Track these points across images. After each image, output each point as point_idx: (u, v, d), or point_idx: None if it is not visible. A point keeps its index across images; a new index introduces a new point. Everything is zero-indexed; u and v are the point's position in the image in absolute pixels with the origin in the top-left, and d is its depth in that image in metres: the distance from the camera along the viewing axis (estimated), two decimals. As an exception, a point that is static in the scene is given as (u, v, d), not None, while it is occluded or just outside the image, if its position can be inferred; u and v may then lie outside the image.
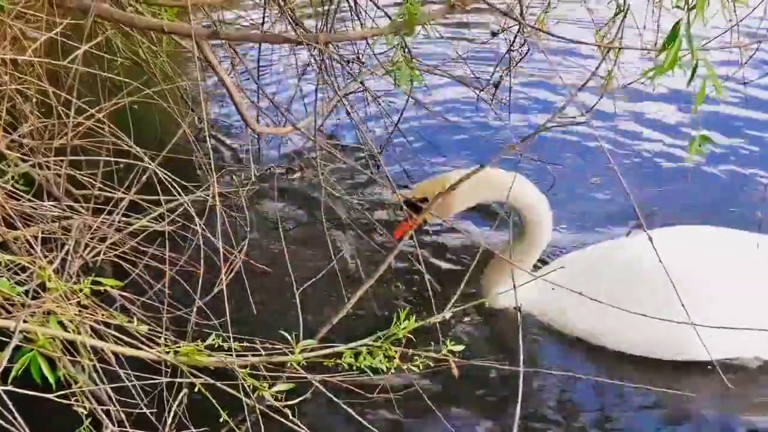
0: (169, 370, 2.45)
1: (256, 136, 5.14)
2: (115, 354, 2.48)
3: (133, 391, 2.58)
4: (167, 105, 3.68)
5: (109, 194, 3.17)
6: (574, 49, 5.92)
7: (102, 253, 2.89)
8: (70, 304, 2.37)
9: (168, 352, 2.40)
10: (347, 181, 5.17)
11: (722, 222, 4.31)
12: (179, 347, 2.42)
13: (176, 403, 2.43)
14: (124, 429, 2.39)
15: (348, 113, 5.09)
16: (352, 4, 4.59)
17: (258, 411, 2.45)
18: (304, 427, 2.42)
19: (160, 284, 2.92)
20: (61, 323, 2.33)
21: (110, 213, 3.00)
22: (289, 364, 2.53)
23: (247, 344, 2.49)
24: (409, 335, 2.50)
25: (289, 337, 2.51)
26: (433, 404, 3.07)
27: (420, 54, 5.94)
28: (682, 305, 2.98)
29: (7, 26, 3.13)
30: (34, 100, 3.30)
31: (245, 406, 2.44)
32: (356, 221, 4.40)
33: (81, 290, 2.41)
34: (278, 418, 2.43)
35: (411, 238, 3.64)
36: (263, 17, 4.65)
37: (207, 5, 4.22)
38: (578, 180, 5.19)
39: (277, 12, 4.33)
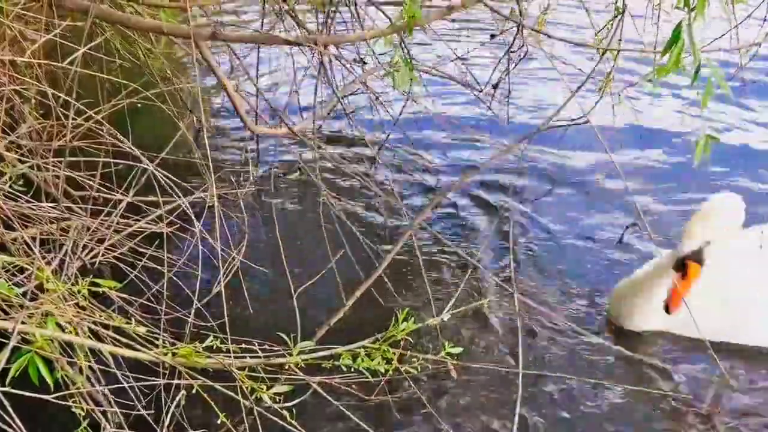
0: (167, 372, 2.45)
1: (255, 137, 5.14)
2: (113, 355, 2.47)
3: (131, 393, 2.58)
4: (166, 107, 3.68)
5: (108, 195, 3.17)
6: (574, 50, 5.92)
7: (100, 254, 2.89)
8: (68, 305, 2.37)
9: (166, 354, 2.40)
10: (345, 182, 5.17)
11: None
12: (177, 349, 2.41)
13: (174, 404, 2.43)
14: (121, 430, 2.38)
15: (347, 114, 5.09)
16: (352, 7, 4.58)
17: (256, 413, 2.44)
18: (302, 429, 2.42)
19: (158, 285, 2.92)
20: (59, 324, 2.33)
21: (109, 214, 3.00)
22: (287, 366, 2.53)
23: (245, 346, 2.49)
24: (407, 337, 2.50)
25: (287, 339, 2.51)
26: (431, 406, 3.07)
27: (419, 55, 5.95)
28: None
29: (7, 27, 3.13)
30: (33, 101, 3.30)
31: (243, 408, 2.44)
32: (354, 222, 4.39)
33: (79, 291, 2.41)
34: (276, 419, 2.43)
35: (410, 238, 3.64)
36: (262, 18, 4.64)
37: (206, 6, 4.22)
38: (579, 180, 5.19)
39: (277, 13, 4.33)
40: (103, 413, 2.39)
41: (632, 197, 4.68)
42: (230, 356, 2.45)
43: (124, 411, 2.52)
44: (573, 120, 4.01)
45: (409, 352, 2.53)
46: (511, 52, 4.69)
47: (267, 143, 5.48)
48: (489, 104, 5.32)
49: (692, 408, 3.53)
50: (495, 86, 5.25)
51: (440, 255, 4.46)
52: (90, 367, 2.47)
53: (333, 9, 4.24)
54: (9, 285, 2.38)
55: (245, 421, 2.53)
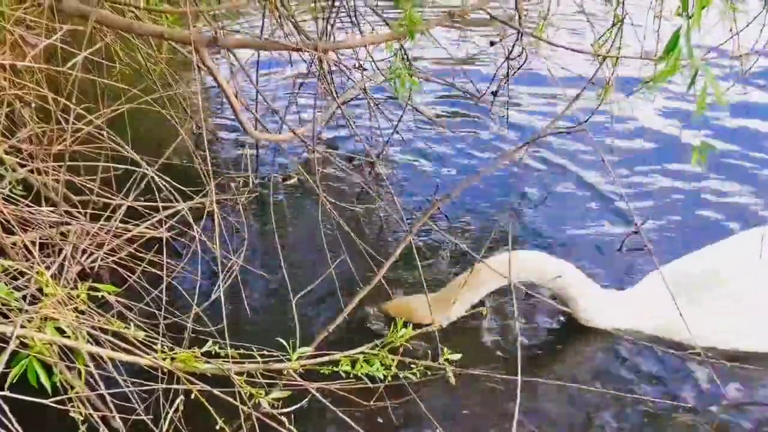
0: (165, 377, 2.45)
1: (255, 143, 5.15)
2: (112, 360, 2.47)
3: (130, 397, 2.58)
4: (166, 112, 3.68)
5: (108, 200, 3.18)
6: (574, 57, 5.93)
7: (100, 258, 2.89)
8: (67, 309, 2.37)
9: (165, 359, 2.40)
10: (344, 188, 5.17)
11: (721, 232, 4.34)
12: (176, 354, 2.42)
13: (172, 409, 2.42)
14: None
15: (347, 120, 5.09)
16: (352, 13, 4.60)
17: (254, 418, 2.44)
18: (300, 435, 2.42)
19: (157, 290, 2.92)
20: (58, 329, 2.33)
21: (108, 219, 3.00)
22: (285, 372, 2.53)
23: (244, 351, 2.49)
24: (406, 343, 2.50)
25: (285, 345, 2.51)
26: (430, 413, 3.07)
27: (419, 61, 5.97)
28: None
29: (7, 32, 3.13)
30: (34, 105, 3.30)
31: (242, 413, 2.44)
32: (353, 228, 4.39)
33: (78, 296, 2.42)
34: (275, 425, 2.43)
35: (411, 245, 3.64)
36: (263, 24, 4.65)
37: (207, 12, 4.23)
38: (579, 186, 5.20)
39: (277, 19, 4.35)
40: (102, 418, 2.39)
41: (632, 204, 4.69)
42: (229, 361, 2.45)
43: (122, 416, 2.51)
44: (570, 127, 4.02)
45: (408, 358, 2.53)
46: (510, 59, 4.71)
47: (266, 149, 5.48)
48: (488, 111, 5.35)
49: (698, 419, 3.53)
50: (494, 93, 5.27)
51: (440, 261, 4.46)
52: (89, 372, 2.47)
53: (332, 15, 4.26)
54: (8, 289, 2.38)
55: (243, 426, 2.52)
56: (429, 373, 2.58)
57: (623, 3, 3.44)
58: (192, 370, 2.42)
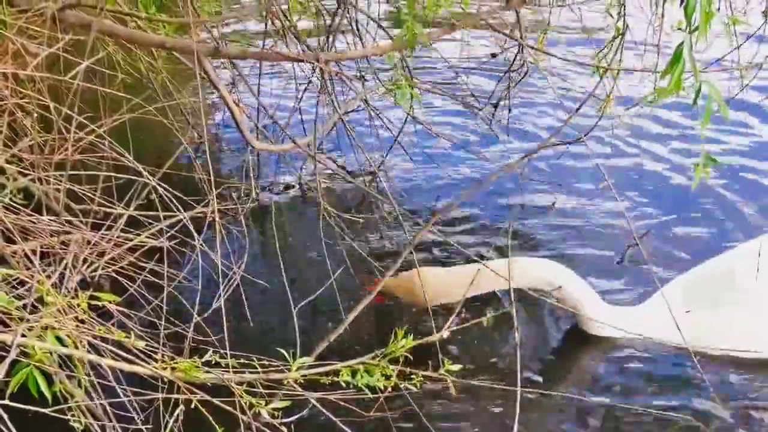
0: (165, 386, 2.45)
1: (256, 153, 5.16)
2: (112, 369, 2.47)
3: (130, 407, 2.57)
4: (168, 121, 3.69)
5: (109, 209, 3.18)
6: (575, 69, 5.96)
7: (100, 268, 2.89)
8: (67, 318, 2.37)
9: (165, 368, 2.40)
10: (345, 197, 5.18)
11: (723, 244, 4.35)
12: (176, 363, 2.41)
13: (172, 419, 2.42)
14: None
15: (348, 130, 5.10)
16: (353, 23, 4.61)
17: (254, 428, 2.44)
18: (300, 445, 2.42)
19: (158, 300, 2.91)
20: (58, 338, 2.33)
21: (109, 228, 3.00)
22: (285, 382, 2.53)
23: (245, 361, 2.49)
24: (407, 354, 2.50)
25: (286, 354, 2.51)
26: (430, 423, 3.07)
27: (420, 72, 5.98)
28: None
29: (9, 41, 3.14)
30: (35, 114, 3.30)
31: (242, 423, 2.43)
32: (355, 237, 4.40)
33: (79, 305, 2.41)
34: (275, 435, 2.43)
35: (411, 253, 3.64)
36: (264, 35, 4.67)
37: (208, 22, 4.24)
38: (580, 198, 5.21)
39: (279, 30, 4.35)
40: (102, 427, 2.39)
41: (631, 216, 4.70)
42: (229, 371, 2.45)
43: (122, 425, 2.51)
44: (570, 140, 4.03)
45: (408, 368, 2.53)
46: (512, 71, 4.73)
47: (268, 158, 5.49)
48: (489, 123, 5.35)
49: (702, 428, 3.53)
50: (495, 105, 5.28)
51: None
52: (89, 381, 2.47)
53: (331, 25, 4.27)
54: (9, 298, 2.38)
55: (243, 436, 2.52)
56: (429, 384, 2.57)
57: (624, 15, 3.45)
58: (192, 379, 2.41)
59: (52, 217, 3.01)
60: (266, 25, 4.56)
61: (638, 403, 3.59)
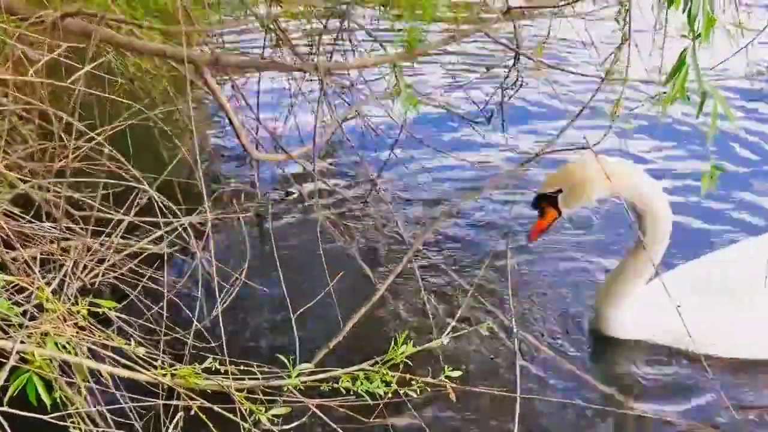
0: (165, 393, 2.44)
1: (256, 162, 5.16)
2: (112, 376, 2.47)
3: (130, 414, 2.57)
4: (168, 129, 3.70)
5: (108, 216, 3.18)
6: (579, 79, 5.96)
7: (100, 274, 2.89)
8: (67, 325, 2.37)
9: (165, 375, 2.40)
10: (344, 205, 5.18)
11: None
12: (176, 370, 2.41)
13: (172, 425, 2.42)
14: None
15: (347, 139, 5.12)
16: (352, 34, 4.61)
17: (254, 435, 2.44)
18: (300, 452, 2.42)
19: (158, 307, 2.92)
20: (58, 344, 2.33)
21: (109, 235, 3.01)
22: (285, 388, 2.53)
23: (244, 367, 2.49)
24: (406, 360, 2.50)
25: (286, 361, 2.50)
26: (430, 429, 3.06)
27: (418, 80, 5.99)
28: None
29: (10, 48, 3.14)
30: (35, 121, 3.31)
31: (242, 430, 2.43)
32: (353, 245, 4.40)
33: (79, 312, 2.41)
34: (274, 442, 2.42)
35: (411, 262, 3.65)
36: (264, 44, 4.67)
37: (208, 31, 4.25)
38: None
39: (277, 41, 4.37)
40: (101, 434, 2.38)
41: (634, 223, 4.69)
42: (229, 378, 2.45)
43: (122, 432, 2.51)
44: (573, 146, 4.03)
45: (408, 375, 2.52)
46: (506, 88, 4.73)
47: (266, 167, 5.49)
48: (483, 134, 5.35)
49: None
50: (489, 119, 5.28)
51: (440, 277, 4.46)
52: (88, 388, 2.47)
53: (333, 36, 4.28)
54: (9, 304, 2.38)
55: (243, 443, 2.51)
56: (429, 390, 2.57)
57: (629, 21, 3.45)
58: (192, 386, 2.41)
59: (52, 224, 3.01)
60: (265, 34, 4.56)
61: (638, 407, 3.59)
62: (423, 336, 3.78)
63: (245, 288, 3.46)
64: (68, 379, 2.41)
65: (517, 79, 4.40)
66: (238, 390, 2.44)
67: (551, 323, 4.19)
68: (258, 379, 2.49)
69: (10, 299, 2.47)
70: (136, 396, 2.53)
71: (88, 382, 2.45)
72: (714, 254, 4.22)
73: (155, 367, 2.43)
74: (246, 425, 2.41)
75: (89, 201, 3.27)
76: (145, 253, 3.13)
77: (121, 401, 2.53)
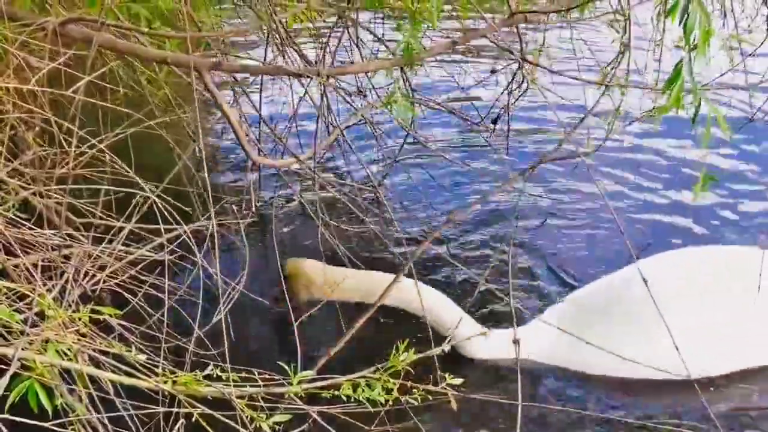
0: (166, 400, 2.44)
1: (258, 167, 5.16)
2: (113, 383, 2.47)
3: (130, 421, 2.56)
4: (169, 136, 3.69)
5: (109, 223, 3.18)
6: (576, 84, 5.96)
7: (101, 281, 2.89)
8: (68, 332, 2.37)
9: (166, 382, 2.40)
10: (345, 212, 5.18)
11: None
12: (177, 377, 2.41)
13: (173, 432, 2.42)
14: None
15: (349, 146, 5.12)
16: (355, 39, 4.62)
17: (255, 442, 2.43)
18: (301, 459, 2.42)
19: (159, 313, 2.91)
20: (59, 351, 2.33)
21: (110, 242, 3.01)
22: (286, 395, 2.52)
23: (246, 375, 2.49)
24: (407, 367, 2.50)
25: (287, 368, 2.50)
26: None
27: (421, 85, 5.99)
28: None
29: (12, 55, 3.15)
30: (37, 128, 3.32)
31: (243, 437, 2.43)
32: (354, 252, 4.40)
33: (80, 318, 2.41)
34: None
35: (410, 271, 3.64)
36: (266, 50, 4.68)
37: (209, 38, 4.26)
38: (579, 212, 5.21)
39: (279, 45, 4.37)
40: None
41: (633, 229, 4.70)
42: (230, 385, 2.44)
43: (123, 439, 2.51)
44: (571, 153, 4.03)
45: (409, 382, 2.52)
46: (511, 91, 4.73)
47: (268, 173, 5.49)
48: (488, 141, 5.36)
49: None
50: (494, 122, 5.29)
51: (440, 284, 4.46)
52: (89, 395, 2.47)
53: (335, 40, 4.29)
54: (10, 311, 2.38)
55: (244, 450, 2.51)
56: (431, 398, 2.57)
57: (629, 30, 3.46)
58: (193, 393, 2.41)
59: (54, 231, 3.01)
60: (267, 40, 4.57)
61: (639, 417, 3.58)
62: (424, 343, 3.78)
63: (246, 294, 3.46)
64: (69, 386, 2.41)
65: (522, 83, 4.41)
66: (239, 397, 2.44)
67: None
68: (259, 386, 2.49)
69: (11, 306, 2.47)
70: (137, 403, 2.53)
71: (89, 389, 2.45)
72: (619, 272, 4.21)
73: (156, 374, 2.43)
74: (247, 432, 2.42)
75: (91, 208, 3.27)
76: (148, 260, 3.12)
77: (121, 408, 2.53)
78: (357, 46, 4.58)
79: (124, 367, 2.43)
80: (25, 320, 2.35)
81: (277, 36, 4.29)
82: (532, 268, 4.68)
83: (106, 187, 3.21)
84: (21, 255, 2.79)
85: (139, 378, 2.41)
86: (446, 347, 2.67)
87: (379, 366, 2.52)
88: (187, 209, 3.30)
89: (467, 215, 4.96)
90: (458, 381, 2.58)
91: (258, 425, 2.41)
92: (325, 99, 4.59)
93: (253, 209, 3.91)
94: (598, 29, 5.46)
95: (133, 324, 2.88)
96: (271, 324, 4.06)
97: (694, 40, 2.38)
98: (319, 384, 2.52)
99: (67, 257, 2.89)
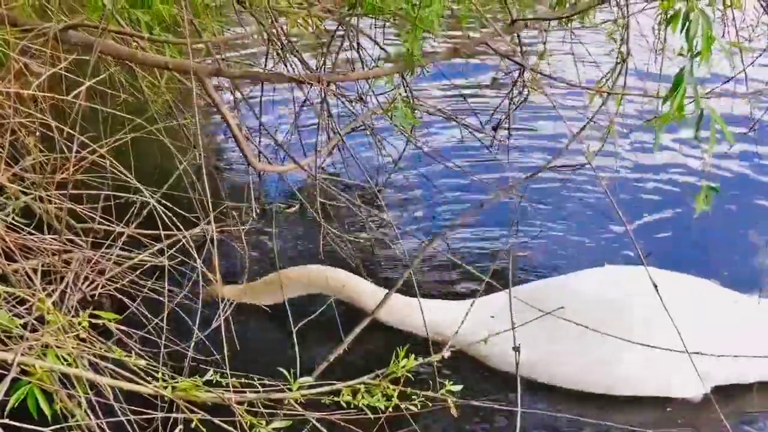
0: (166, 405, 2.44)
1: (258, 174, 5.16)
2: (112, 388, 2.47)
3: (129, 427, 2.56)
4: (169, 141, 3.70)
5: (109, 228, 3.18)
6: (577, 92, 5.97)
7: (101, 286, 2.89)
8: (68, 337, 2.37)
9: (165, 387, 2.39)
10: (346, 219, 5.18)
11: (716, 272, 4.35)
12: (177, 382, 2.41)
13: (172, 438, 2.42)
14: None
15: (350, 153, 5.12)
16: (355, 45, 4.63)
17: (255, 448, 2.43)
18: (300, 465, 2.41)
19: (158, 319, 2.91)
20: (59, 356, 2.32)
21: (110, 247, 3.01)
22: (286, 401, 2.52)
23: (245, 380, 2.49)
24: (408, 374, 2.49)
25: (287, 374, 2.50)
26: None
27: (422, 91, 6.00)
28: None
29: (13, 60, 3.15)
30: (37, 133, 3.32)
31: (242, 443, 2.43)
32: (354, 258, 4.40)
33: (79, 323, 2.41)
34: (275, 455, 2.42)
35: (410, 275, 3.64)
36: (266, 56, 4.68)
37: (209, 43, 4.26)
38: (580, 219, 5.21)
39: (279, 51, 4.37)
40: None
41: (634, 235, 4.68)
42: (230, 390, 2.44)
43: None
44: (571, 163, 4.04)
45: (409, 388, 2.52)
46: (512, 98, 4.74)
47: (269, 179, 5.49)
48: (489, 146, 5.35)
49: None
50: (495, 128, 5.29)
51: (440, 290, 4.46)
52: (89, 400, 2.46)
53: (336, 47, 4.29)
54: (10, 316, 2.38)
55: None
56: (430, 404, 2.57)
57: (627, 40, 3.47)
58: (192, 398, 2.41)
59: (54, 236, 3.01)
60: (268, 46, 4.57)
61: (639, 423, 3.57)
62: (424, 349, 3.78)
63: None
64: (69, 391, 2.41)
65: (523, 90, 4.41)
66: (238, 403, 2.44)
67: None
68: (259, 391, 2.49)
69: (11, 311, 2.47)
70: (136, 408, 2.53)
71: (89, 394, 2.45)
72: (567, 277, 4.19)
73: (156, 380, 2.43)
74: (246, 438, 2.41)
75: (91, 213, 3.27)
76: (147, 265, 3.13)
77: (120, 414, 2.52)
78: (358, 52, 4.58)
79: (123, 373, 2.43)
80: (24, 325, 2.35)
81: (278, 42, 4.29)
82: (531, 272, 4.67)
83: (107, 192, 3.21)
84: (21, 260, 2.79)
85: (138, 383, 2.40)
86: (446, 353, 2.67)
87: (379, 372, 2.51)
88: (187, 214, 3.28)
89: (468, 220, 4.95)
90: (458, 387, 2.58)
91: (258, 431, 2.41)
92: (326, 105, 4.59)
93: (254, 215, 3.91)
94: (599, 40, 5.46)
95: (133, 329, 2.88)
96: (271, 330, 4.06)
97: (696, 46, 2.38)
98: (318, 390, 2.51)
99: (67, 262, 2.90)
